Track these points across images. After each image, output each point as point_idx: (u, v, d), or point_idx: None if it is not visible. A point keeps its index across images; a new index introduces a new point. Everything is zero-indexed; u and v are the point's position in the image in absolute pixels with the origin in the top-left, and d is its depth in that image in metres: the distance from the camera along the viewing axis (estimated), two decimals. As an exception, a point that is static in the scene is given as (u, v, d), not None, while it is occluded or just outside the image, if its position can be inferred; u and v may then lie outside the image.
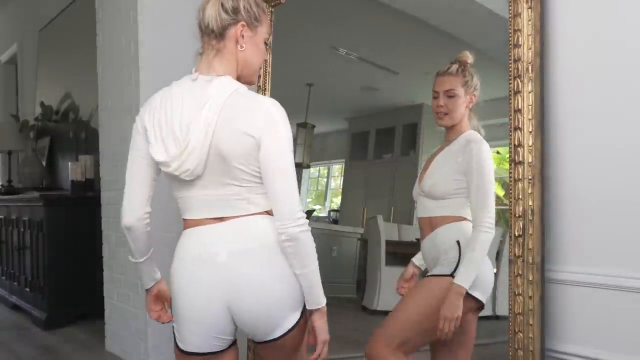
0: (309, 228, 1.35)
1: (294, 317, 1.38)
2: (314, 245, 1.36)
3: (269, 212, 1.39)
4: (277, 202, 1.34)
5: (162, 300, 1.60)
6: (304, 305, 1.40)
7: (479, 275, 1.81)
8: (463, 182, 1.87)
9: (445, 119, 1.97)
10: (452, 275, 1.81)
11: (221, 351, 1.42)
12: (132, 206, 1.43)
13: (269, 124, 1.33)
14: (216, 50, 1.42)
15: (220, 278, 1.35)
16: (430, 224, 1.95)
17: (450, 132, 1.99)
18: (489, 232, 1.79)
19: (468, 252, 1.80)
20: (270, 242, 1.36)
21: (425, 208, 1.98)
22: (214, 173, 1.36)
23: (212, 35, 1.41)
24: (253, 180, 1.36)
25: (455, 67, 1.95)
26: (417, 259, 2.10)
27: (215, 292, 1.36)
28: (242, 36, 1.41)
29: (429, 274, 1.93)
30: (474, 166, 1.83)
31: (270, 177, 1.33)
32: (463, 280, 1.77)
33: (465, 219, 1.90)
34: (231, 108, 1.34)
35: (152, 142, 1.38)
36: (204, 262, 1.37)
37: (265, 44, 1.49)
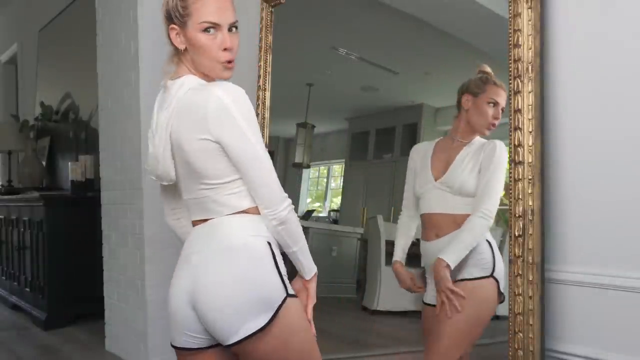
0: (293, 206, 1.37)
1: (254, 324, 1.29)
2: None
3: (246, 211, 1.37)
4: (257, 191, 1.33)
5: None
6: (274, 315, 1.31)
7: (501, 269, 1.84)
8: None
9: (492, 130, 1.99)
10: (492, 276, 1.84)
11: (200, 349, 1.41)
12: (164, 205, 1.58)
13: (222, 117, 1.28)
14: (177, 58, 1.42)
15: (190, 278, 1.36)
16: (455, 221, 1.93)
17: (467, 133, 2.01)
18: (483, 218, 1.83)
19: (460, 231, 1.84)
20: (236, 244, 1.34)
21: (447, 205, 1.96)
22: (186, 178, 1.39)
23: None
24: (218, 182, 1.35)
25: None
26: (399, 257, 2.10)
27: (184, 291, 1.37)
28: (178, 38, 1.37)
29: (461, 277, 1.88)
30: (492, 164, 1.87)
31: (244, 170, 1.32)
32: (449, 257, 1.81)
33: None
34: (183, 111, 1.33)
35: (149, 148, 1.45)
36: (183, 262, 1.41)
37: (213, 24, 1.34)
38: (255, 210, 1.37)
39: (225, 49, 1.35)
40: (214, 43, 1.35)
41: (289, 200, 1.36)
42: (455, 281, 1.90)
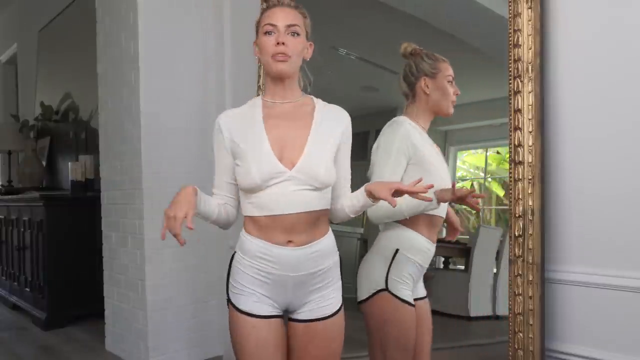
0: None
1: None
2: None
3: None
4: None
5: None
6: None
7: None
8: None
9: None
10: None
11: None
12: None
13: None
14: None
15: None
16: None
17: (428, 119, 1.88)
18: None
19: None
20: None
21: (443, 207, 1.81)
22: None
23: None
24: None
25: None
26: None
27: None
28: (255, 48, 1.55)
29: (423, 296, 1.84)
30: None
31: None
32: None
33: None
34: None
35: None
36: None
37: (272, 25, 1.50)
38: None
39: (277, 44, 1.47)
40: (270, 41, 1.49)
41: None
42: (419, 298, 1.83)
